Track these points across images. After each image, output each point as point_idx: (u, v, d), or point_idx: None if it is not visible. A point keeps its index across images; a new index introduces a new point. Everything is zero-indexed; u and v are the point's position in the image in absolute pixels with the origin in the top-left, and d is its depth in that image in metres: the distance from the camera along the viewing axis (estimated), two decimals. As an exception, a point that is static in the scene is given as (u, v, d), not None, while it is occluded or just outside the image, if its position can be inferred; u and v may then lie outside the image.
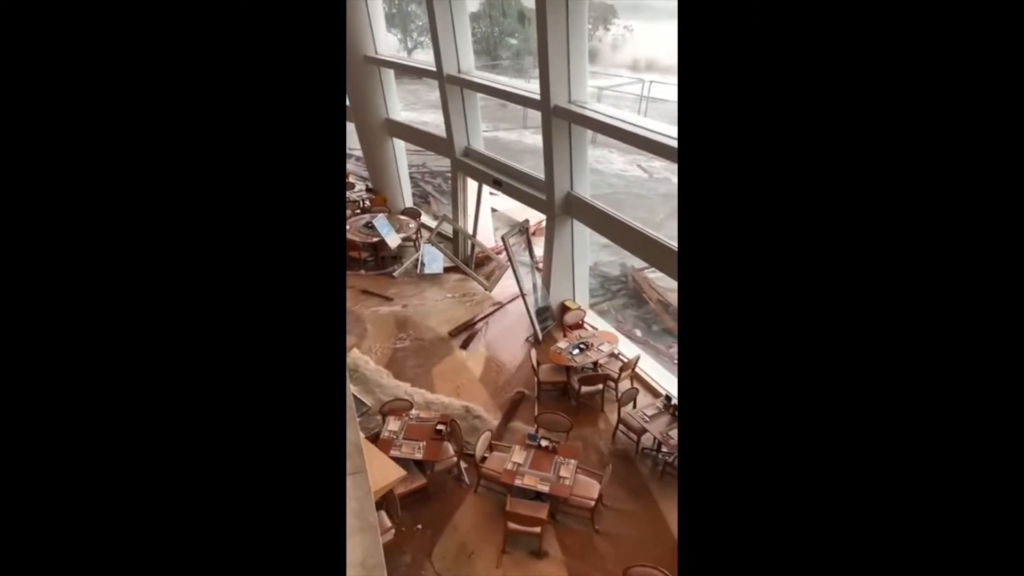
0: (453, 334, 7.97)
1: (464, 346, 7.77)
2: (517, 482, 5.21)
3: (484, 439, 5.66)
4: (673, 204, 7.14)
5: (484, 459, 5.56)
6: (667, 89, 15.62)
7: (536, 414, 6.45)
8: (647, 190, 13.45)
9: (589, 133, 7.15)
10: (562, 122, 6.94)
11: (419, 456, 5.48)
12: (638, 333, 8.78)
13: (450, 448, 5.69)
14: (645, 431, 5.92)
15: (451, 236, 9.63)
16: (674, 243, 6.28)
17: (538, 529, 4.95)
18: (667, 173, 13.70)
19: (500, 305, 8.53)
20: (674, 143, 5.81)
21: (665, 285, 9.59)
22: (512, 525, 4.99)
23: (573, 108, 6.75)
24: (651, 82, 16.42)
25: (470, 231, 9.43)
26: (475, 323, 8.16)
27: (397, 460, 5.05)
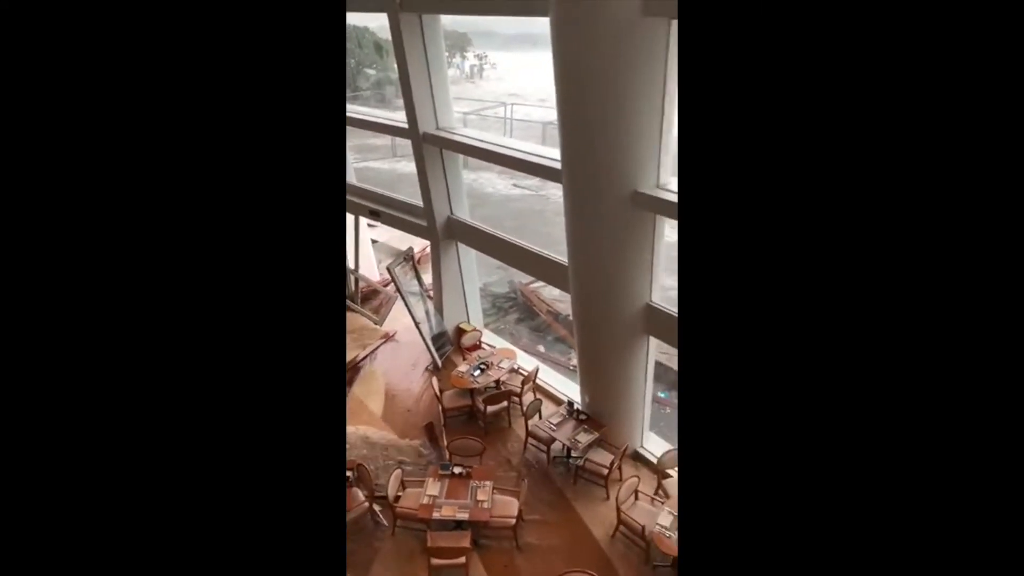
0: None
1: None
2: (435, 515, 5.07)
3: (395, 477, 5.45)
4: (559, 220, 7.41)
5: (398, 498, 5.35)
6: (528, 110, 16.44)
7: (446, 442, 6.33)
8: (544, 206, 13.89)
9: (461, 157, 7.27)
10: (433, 148, 7.00)
11: (327, 509, 5.14)
12: (541, 349, 8.97)
13: (360, 494, 5.41)
14: (553, 439, 6.05)
15: (333, 274, 9.25)
16: (557, 256, 6.52)
17: (462, 559, 4.84)
18: (547, 190, 14.28)
19: (387, 337, 8.29)
20: (540, 160, 6.06)
21: (552, 296, 9.94)
22: (435, 560, 4.83)
23: (442, 134, 6.84)
24: (513, 104, 17.15)
25: (351, 265, 9.13)
26: (357, 363, 7.77)
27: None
